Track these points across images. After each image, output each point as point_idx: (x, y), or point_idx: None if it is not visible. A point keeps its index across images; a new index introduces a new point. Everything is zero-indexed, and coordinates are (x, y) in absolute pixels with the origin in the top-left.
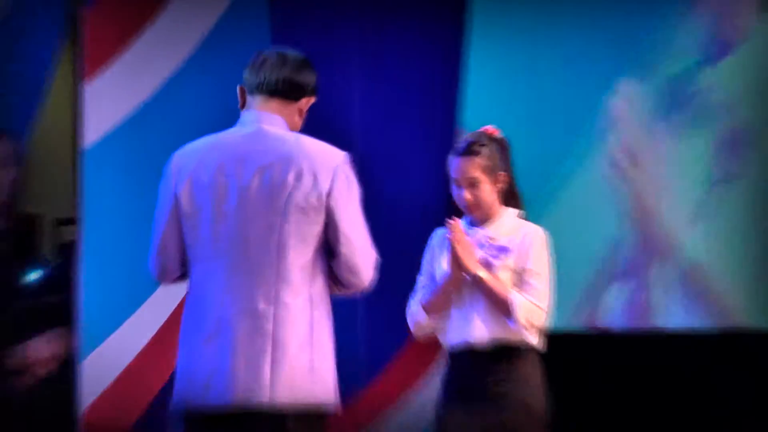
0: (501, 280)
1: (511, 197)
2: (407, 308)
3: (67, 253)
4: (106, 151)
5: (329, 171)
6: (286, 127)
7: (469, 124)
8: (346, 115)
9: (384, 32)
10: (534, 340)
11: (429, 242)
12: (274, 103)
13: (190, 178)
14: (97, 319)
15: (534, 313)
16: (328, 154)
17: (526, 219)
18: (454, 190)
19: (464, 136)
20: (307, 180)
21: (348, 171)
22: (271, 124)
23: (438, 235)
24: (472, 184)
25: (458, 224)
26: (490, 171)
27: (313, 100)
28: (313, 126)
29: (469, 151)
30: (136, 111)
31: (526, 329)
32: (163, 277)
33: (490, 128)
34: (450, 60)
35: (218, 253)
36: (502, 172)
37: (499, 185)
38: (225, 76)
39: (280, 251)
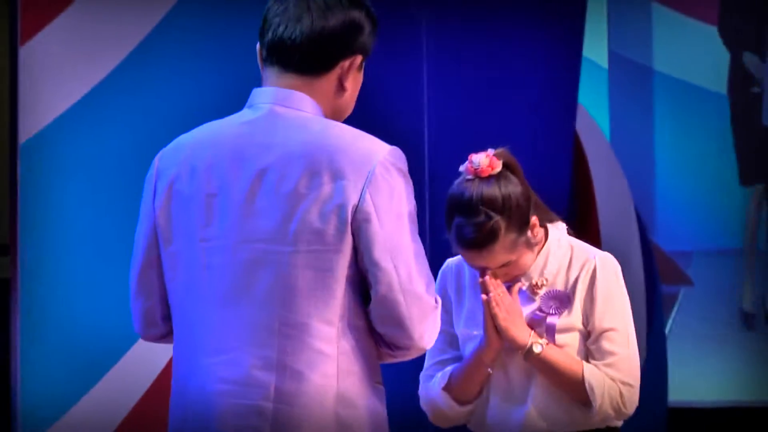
0: (565, 350)
1: (540, 211)
2: (420, 388)
3: None
4: (49, 147)
5: (360, 173)
6: (317, 110)
7: None
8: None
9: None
10: (619, 423)
11: (440, 281)
12: (292, 78)
13: (169, 187)
14: (42, 400)
15: (623, 395)
16: (363, 148)
17: (574, 235)
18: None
19: (457, 200)
20: (326, 187)
21: (392, 174)
22: (288, 104)
23: (451, 268)
24: (503, 265)
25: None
26: (518, 240)
27: (359, 59)
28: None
29: (482, 241)
30: (88, 94)
31: (614, 418)
32: (146, 330)
33: (484, 164)
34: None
35: (200, 298)
36: (532, 217)
37: (535, 231)
38: (216, 42)
39: (286, 295)
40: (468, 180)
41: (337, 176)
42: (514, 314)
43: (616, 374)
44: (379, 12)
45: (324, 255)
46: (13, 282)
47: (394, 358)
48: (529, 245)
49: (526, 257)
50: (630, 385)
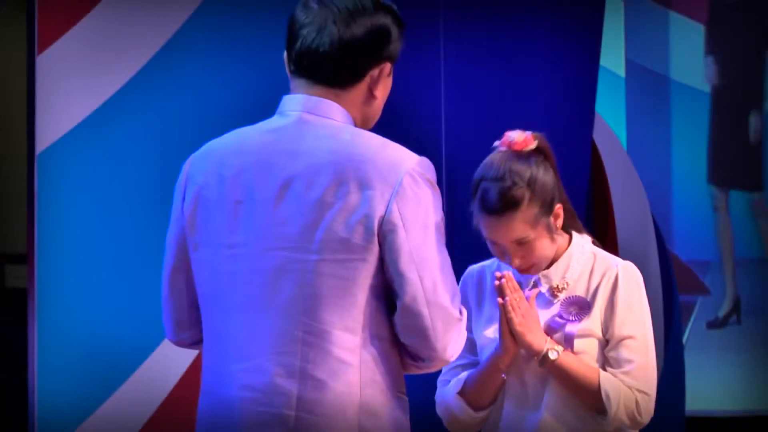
0: (583, 358)
1: (568, 217)
2: (437, 393)
3: (13, 305)
4: (66, 156)
5: (388, 184)
6: (347, 118)
7: None
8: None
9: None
10: None
11: (461, 287)
12: (321, 89)
13: (198, 193)
14: (59, 409)
15: (639, 404)
16: (391, 158)
17: (600, 245)
18: (490, 246)
19: (487, 168)
20: (353, 197)
21: (419, 185)
22: (317, 111)
23: (473, 275)
24: (520, 244)
25: (511, 278)
26: (541, 218)
27: (388, 66)
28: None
29: (504, 205)
30: (105, 103)
31: (629, 427)
32: (176, 335)
33: (519, 138)
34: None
35: (226, 305)
36: (558, 204)
37: (558, 222)
38: (233, 52)
39: (309, 303)
40: (501, 151)
41: (364, 186)
42: (530, 319)
43: (633, 382)
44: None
45: (349, 264)
46: (31, 291)
47: (419, 369)
48: (550, 231)
49: (545, 243)
50: (646, 394)
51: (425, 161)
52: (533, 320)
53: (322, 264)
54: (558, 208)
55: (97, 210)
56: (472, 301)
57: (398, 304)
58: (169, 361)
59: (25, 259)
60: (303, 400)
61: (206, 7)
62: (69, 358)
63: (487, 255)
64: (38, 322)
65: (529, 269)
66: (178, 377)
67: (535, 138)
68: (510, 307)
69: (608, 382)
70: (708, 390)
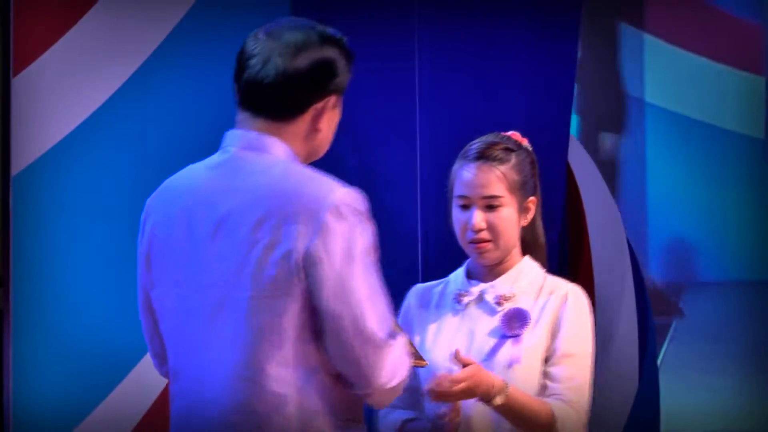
0: (528, 372)
1: (533, 245)
2: (380, 423)
3: None
4: (42, 178)
5: (310, 219)
6: (288, 153)
7: None
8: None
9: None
10: None
11: (403, 309)
12: (262, 122)
13: (151, 232)
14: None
15: (577, 422)
16: (314, 193)
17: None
18: (458, 215)
19: (479, 139)
20: (278, 233)
21: (344, 217)
22: (254, 147)
23: (418, 289)
24: (490, 206)
25: (442, 383)
26: (517, 190)
27: (332, 99)
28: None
29: (489, 155)
30: (85, 122)
31: None
32: (159, 368)
33: (516, 134)
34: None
35: (178, 343)
36: (533, 197)
37: (527, 216)
38: (211, 74)
39: (246, 340)
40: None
41: (288, 221)
42: (476, 387)
43: (574, 398)
44: (371, 15)
45: (278, 300)
46: (6, 314)
47: (368, 397)
48: (519, 214)
49: (510, 223)
50: (582, 412)
51: (351, 193)
52: (478, 384)
53: (253, 301)
54: (532, 203)
55: (74, 231)
56: (417, 319)
57: (326, 337)
58: (148, 379)
59: (2, 281)
60: None
61: (186, 24)
62: (47, 381)
63: (460, 258)
64: (13, 345)
65: (485, 247)
66: (155, 396)
67: (527, 144)
68: (454, 417)
69: (557, 410)
70: (683, 412)
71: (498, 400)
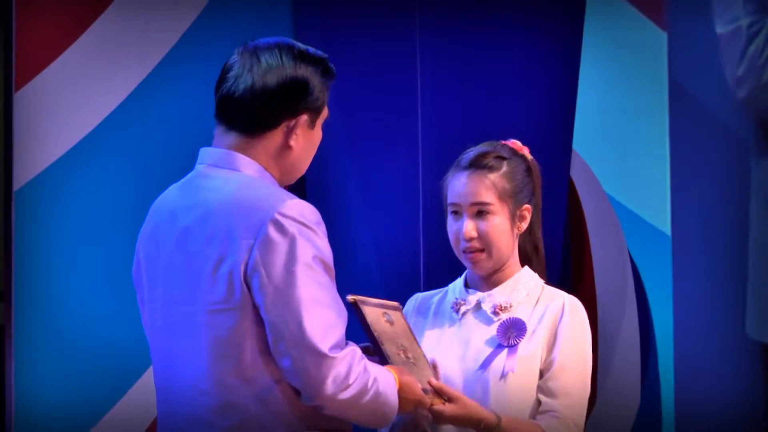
0: (523, 382)
1: (534, 255)
2: None
3: None
4: (44, 193)
5: (251, 232)
6: (257, 169)
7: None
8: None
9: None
10: None
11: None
12: (234, 137)
13: (137, 249)
14: None
15: None
16: (256, 206)
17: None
18: (450, 224)
19: (472, 148)
20: (222, 247)
21: (284, 229)
22: (220, 163)
23: (417, 297)
24: (480, 213)
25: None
26: (508, 197)
27: (304, 118)
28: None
29: (478, 163)
30: (86, 137)
31: None
32: None
33: (515, 142)
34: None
35: (154, 357)
36: (527, 205)
37: (521, 225)
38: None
39: (204, 354)
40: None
41: (233, 235)
42: (466, 415)
43: (568, 414)
44: (373, 20)
45: (229, 313)
46: (8, 328)
47: (323, 410)
48: (511, 222)
49: (502, 229)
50: (578, 427)
51: (299, 205)
52: (468, 413)
53: (207, 315)
54: (527, 211)
55: (75, 246)
56: (414, 327)
57: (271, 348)
58: (151, 393)
59: (3, 296)
60: None
61: (188, 39)
62: (48, 397)
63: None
64: (15, 360)
65: (477, 256)
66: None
67: (530, 154)
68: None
69: (553, 431)
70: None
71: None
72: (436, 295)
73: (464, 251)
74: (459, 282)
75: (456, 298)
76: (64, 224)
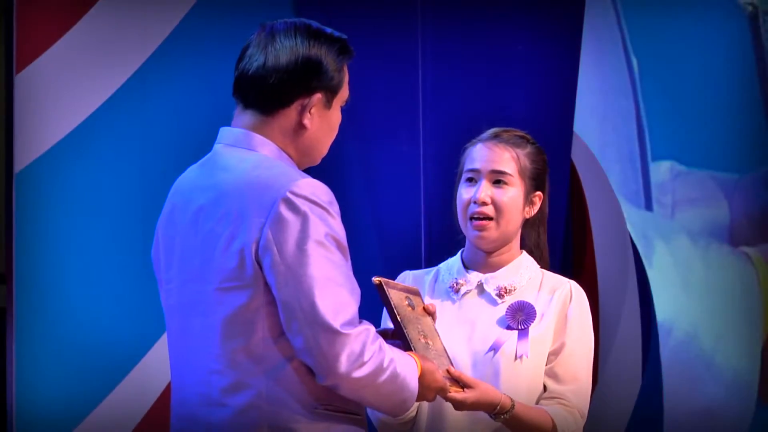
0: (533, 365)
1: (535, 243)
2: None
3: None
4: (45, 175)
5: (262, 210)
6: (272, 148)
7: None
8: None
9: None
10: None
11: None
12: (250, 115)
13: (156, 232)
14: (38, 429)
15: (574, 426)
16: (268, 185)
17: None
18: (463, 190)
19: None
20: (234, 226)
21: (295, 207)
22: (235, 143)
23: (408, 275)
24: (497, 183)
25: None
26: (527, 177)
27: (319, 97)
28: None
29: (504, 136)
30: (87, 119)
31: None
32: None
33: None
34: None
35: (170, 338)
36: (540, 192)
37: (531, 209)
38: (214, 71)
39: (215, 332)
40: None
41: (245, 213)
42: (479, 399)
43: (575, 401)
44: (374, 16)
45: (241, 291)
46: (9, 311)
47: (337, 389)
48: (524, 200)
49: (515, 204)
50: (583, 416)
51: (306, 182)
52: (482, 398)
53: (218, 293)
54: (539, 198)
55: (76, 228)
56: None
57: (284, 326)
58: (151, 377)
59: (4, 278)
60: (213, 426)
61: (188, 23)
62: (49, 379)
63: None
64: (16, 342)
65: (485, 223)
66: (158, 394)
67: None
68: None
69: (557, 416)
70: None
71: (502, 418)
72: (427, 274)
73: (472, 217)
74: (454, 262)
75: (455, 278)
76: (65, 206)
